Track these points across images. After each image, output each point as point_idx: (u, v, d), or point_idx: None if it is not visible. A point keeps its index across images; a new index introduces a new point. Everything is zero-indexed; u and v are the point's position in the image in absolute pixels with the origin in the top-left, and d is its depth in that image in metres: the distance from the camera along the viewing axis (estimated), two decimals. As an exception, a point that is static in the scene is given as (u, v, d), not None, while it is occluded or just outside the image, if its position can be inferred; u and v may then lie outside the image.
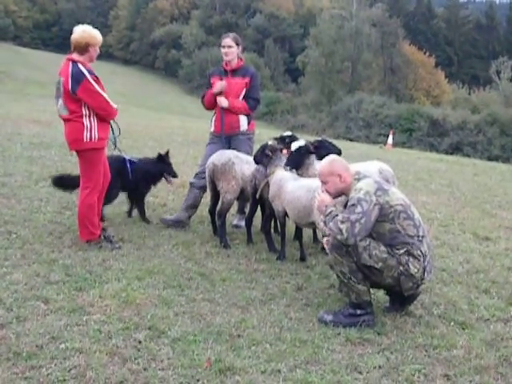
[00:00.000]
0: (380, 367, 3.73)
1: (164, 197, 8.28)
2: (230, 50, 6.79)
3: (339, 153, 6.21)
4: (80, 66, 5.48)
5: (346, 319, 4.34)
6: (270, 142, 6.26)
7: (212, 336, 3.98)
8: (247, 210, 6.87)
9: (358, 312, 4.36)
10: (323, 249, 6.09)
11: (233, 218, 7.36)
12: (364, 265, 4.30)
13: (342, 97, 56.42)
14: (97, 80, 5.56)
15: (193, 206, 6.98)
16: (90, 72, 5.51)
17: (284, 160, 6.21)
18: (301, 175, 6.08)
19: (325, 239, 4.59)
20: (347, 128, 49.51)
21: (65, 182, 6.60)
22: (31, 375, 3.35)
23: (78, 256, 5.46)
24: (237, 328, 4.16)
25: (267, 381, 3.47)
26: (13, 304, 4.26)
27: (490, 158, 31.68)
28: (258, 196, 6.26)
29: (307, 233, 6.75)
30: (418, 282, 4.40)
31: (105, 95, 5.55)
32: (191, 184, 7.06)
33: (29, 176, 8.71)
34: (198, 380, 3.43)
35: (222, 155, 6.43)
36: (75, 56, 5.56)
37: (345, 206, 4.45)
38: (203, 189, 6.91)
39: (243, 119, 6.87)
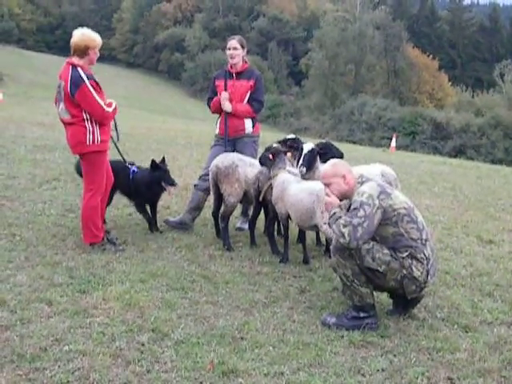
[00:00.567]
0: (383, 370, 3.72)
1: (168, 199, 8.28)
2: (236, 52, 6.80)
3: (341, 156, 6.23)
4: (80, 70, 5.50)
5: (350, 322, 4.34)
6: (274, 145, 6.27)
7: (215, 338, 3.99)
8: (250, 212, 6.87)
9: (362, 315, 4.36)
10: (326, 251, 6.10)
11: (236, 221, 7.36)
12: (367, 268, 4.30)
13: (345, 99, 56.41)
14: (96, 85, 5.57)
15: (196, 209, 6.99)
16: (89, 77, 5.52)
17: (288, 163, 6.22)
18: (308, 178, 6.08)
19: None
20: (350, 131, 49.47)
21: None
22: (35, 377, 3.36)
23: (82, 258, 5.47)
24: (240, 330, 4.16)
25: (270, 383, 3.47)
26: (16, 306, 4.27)
27: (493, 161, 31.56)
28: (261, 199, 6.27)
29: (310, 235, 6.75)
30: (422, 285, 4.39)
31: (101, 102, 5.54)
32: (195, 186, 7.08)
33: (32, 178, 8.73)
34: (201, 382, 3.44)
35: (226, 158, 6.44)
36: (75, 60, 5.59)
37: (348, 209, 4.45)
38: (207, 191, 6.91)
39: (248, 122, 6.88)
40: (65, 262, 5.31)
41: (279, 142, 6.53)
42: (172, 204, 8.10)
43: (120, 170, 6.45)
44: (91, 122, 5.59)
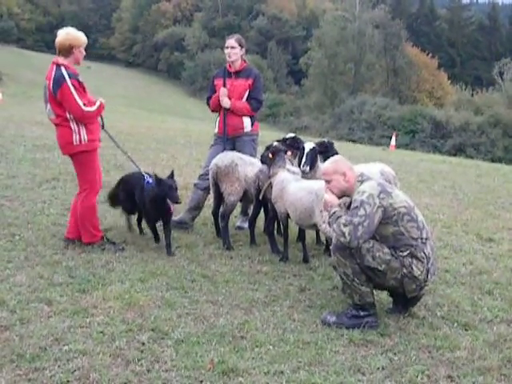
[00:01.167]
0: (383, 368, 3.73)
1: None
2: (233, 51, 6.81)
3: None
4: (63, 69, 5.49)
5: (350, 321, 4.34)
6: (275, 144, 6.28)
7: (215, 337, 3.99)
8: (250, 211, 6.87)
9: (362, 313, 4.36)
10: (326, 250, 6.10)
11: (236, 220, 7.36)
12: (367, 266, 4.30)
13: (344, 98, 56.36)
14: (78, 85, 5.52)
15: (196, 208, 6.99)
16: (71, 75, 5.49)
17: (287, 162, 6.22)
18: (310, 177, 6.08)
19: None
20: (350, 130, 49.41)
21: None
22: (35, 377, 3.36)
23: (81, 258, 5.48)
24: (240, 329, 4.16)
25: (270, 382, 3.47)
26: (16, 306, 4.27)
27: (493, 160, 31.54)
28: (261, 197, 6.27)
29: (310, 234, 6.75)
30: (422, 284, 4.40)
31: (79, 102, 5.46)
32: (195, 185, 7.08)
33: (32, 178, 8.73)
34: (201, 381, 3.44)
35: (225, 157, 6.44)
36: (60, 59, 5.59)
37: (348, 208, 4.45)
38: (207, 190, 6.91)
39: (247, 120, 6.89)
40: (64, 262, 5.31)
41: (279, 141, 6.53)
42: (172, 203, 8.09)
43: (135, 180, 6.26)
44: (76, 122, 5.56)
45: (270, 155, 6.06)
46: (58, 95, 5.48)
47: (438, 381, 3.62)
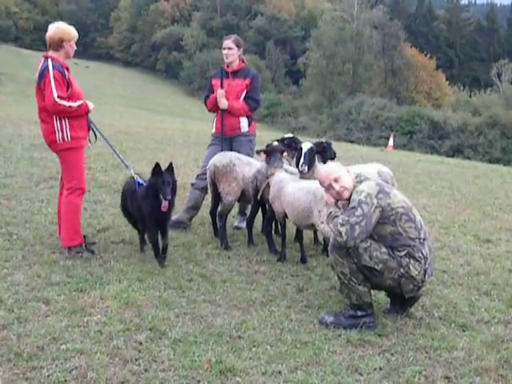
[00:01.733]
0: (380, 369, 3.73)
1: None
2: (230, 51, 6.81)
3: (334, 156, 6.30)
4: (49, 60, 5.41)
5: (347, 321, 4.34)
6: (274, 143, 6.28)
7: (213, 337, 3.99)
8: (248, 211, 6.87)
9: (359, 313, 4.37)
10: (324, 250, 6.11)
11: (234, 220, 7.36)
12: (364, 266, 4.31)
13: (342, 99, 56.44)
14: (60, 76, 5.36)
15: (194, 208, 6.99)
16: (55, 67, 5.37)
17: (284, 162, 6.22)
18: (308, 177, 6.08)
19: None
20: (348, 130, 49.50)
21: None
22: (32, 376, 3.36)
23: (79, 257, 5.46)
24: (237, 329, 4.16)
25: (268, 382, 3.47)
26: (14, 305, 4.27)
27: (490, 161, 31.59)
28: (259, 197, 6.27)
29: (308, 234, 6.74)
30: (419, 284, 4.40)
31: (54, 93, 5.28)
32: (192, 185, 7.08)
33: (30, 177, 8.71)
34: (198, 381, 3.44)
35: (223, 157, 6.44)
36: (50, 53, 5.53)
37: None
38: (204, 190, 6.91)
39: (244, 121, 6.89)
40: (62, 261, 5.30)
41: (277, 141, 6.53)
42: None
43: (127, 188, 6.01)
44: (59, 119, 5.43)
45: (264, 155, 6.07)
46: (41, 86, 5.39)
47: (435, 381, 3.63)
